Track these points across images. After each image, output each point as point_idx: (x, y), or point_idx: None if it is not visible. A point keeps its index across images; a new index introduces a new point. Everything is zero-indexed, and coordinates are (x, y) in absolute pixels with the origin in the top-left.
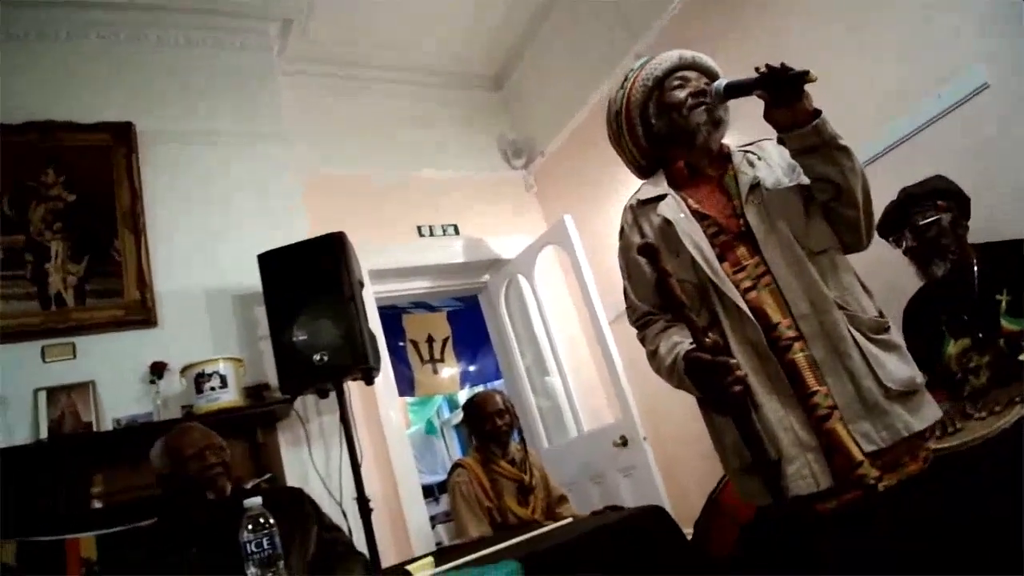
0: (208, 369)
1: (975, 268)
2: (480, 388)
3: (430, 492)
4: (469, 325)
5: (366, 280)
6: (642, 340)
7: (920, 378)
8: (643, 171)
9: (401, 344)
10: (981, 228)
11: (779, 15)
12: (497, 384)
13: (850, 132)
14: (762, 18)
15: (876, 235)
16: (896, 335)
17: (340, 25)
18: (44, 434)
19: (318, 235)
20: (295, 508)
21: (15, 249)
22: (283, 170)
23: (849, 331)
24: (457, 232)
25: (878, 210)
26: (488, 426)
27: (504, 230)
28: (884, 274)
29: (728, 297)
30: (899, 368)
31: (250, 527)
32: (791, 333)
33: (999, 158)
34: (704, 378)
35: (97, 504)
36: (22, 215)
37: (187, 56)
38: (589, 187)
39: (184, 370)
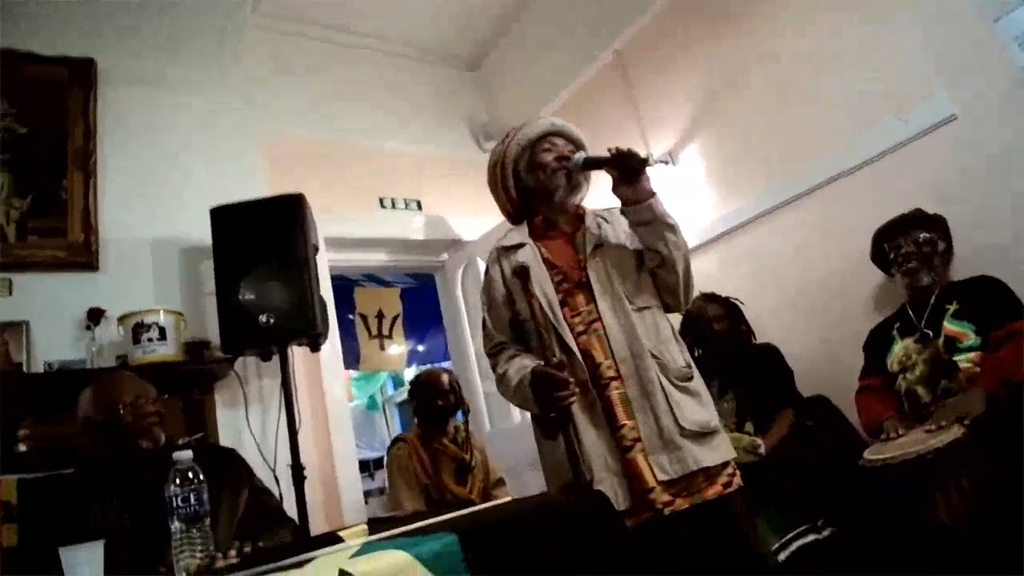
0: (147, 319)
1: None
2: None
3: (366, 468)
4: (421, 304)
5: (321, 246)
6: (494, 366)
7: (715, 422)
8: (512, 219)
9: (350, 317)
10: None
11: (757, 24)
12: (445, 365)
13: (819, 145)
14: (742, 27)
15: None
16: (698, 385)
17: None
18: None
19: (276, 195)
20: (227, 467)
21: None
22: (245, 126)
23: (658, 376)
24: (419, 208)
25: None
26: (430, 404)
27: (468, 211)
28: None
29: (563, 337)
30: (695, 412)
31: (178, 481)
32: (611, 373)
33: (963, 188)
34: (544, 390)
35: (23, 448)
36: None
37: None
38: None
39: (122, 319)
